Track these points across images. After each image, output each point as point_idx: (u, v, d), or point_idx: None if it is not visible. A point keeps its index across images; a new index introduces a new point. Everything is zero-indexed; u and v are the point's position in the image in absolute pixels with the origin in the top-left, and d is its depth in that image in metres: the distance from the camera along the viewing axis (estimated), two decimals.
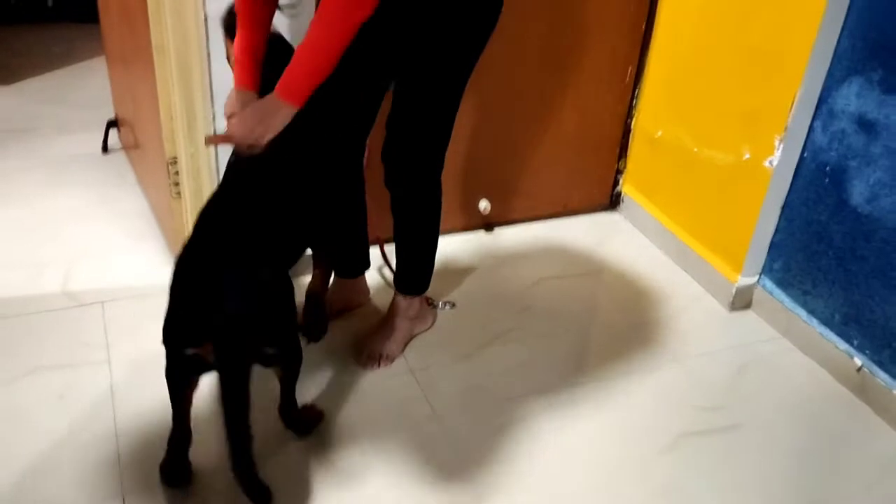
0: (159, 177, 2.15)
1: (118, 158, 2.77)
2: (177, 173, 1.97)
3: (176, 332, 1.35)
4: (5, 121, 2.99)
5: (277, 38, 1.62)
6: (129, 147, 2.71)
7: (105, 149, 2.80)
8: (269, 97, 1.41)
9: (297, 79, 1.39)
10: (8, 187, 2.54)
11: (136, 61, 2.13)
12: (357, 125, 1.74)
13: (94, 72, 3.36)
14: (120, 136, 2.83)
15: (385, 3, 1.38)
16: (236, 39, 1.53)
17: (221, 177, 1.63)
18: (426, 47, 1.59)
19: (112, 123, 2.81)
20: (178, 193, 2.00)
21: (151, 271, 2.16)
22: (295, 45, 1.49)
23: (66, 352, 1.85)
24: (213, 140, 1.79)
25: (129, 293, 2.06)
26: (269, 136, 1.42)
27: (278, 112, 1.40)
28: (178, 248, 1.42)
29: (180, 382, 1.43)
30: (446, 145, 1.74)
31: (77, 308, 2.00)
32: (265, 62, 1.54)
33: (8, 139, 2.83)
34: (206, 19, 1.74)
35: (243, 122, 1.42)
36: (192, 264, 1.37)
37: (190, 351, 1.33)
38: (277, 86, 1.40)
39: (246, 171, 1.50)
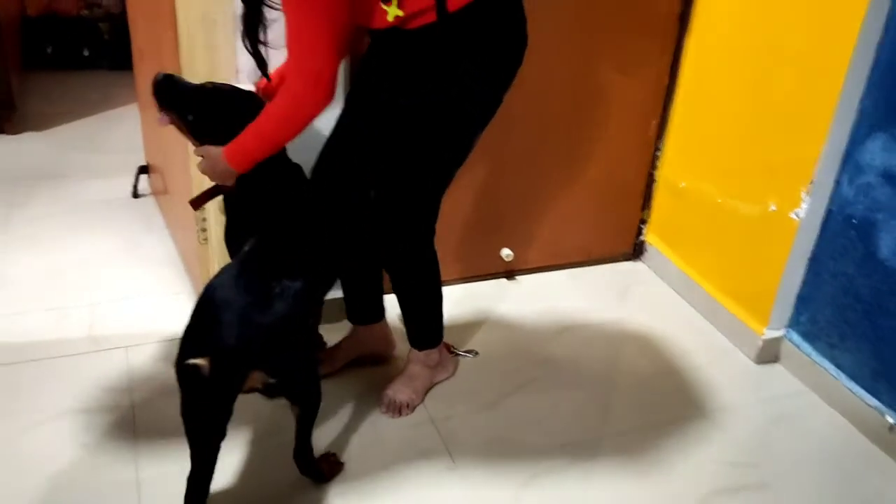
0: (188, 223, 2.18)
1: (148, 204, 2.82)
2: (204, 219, 2.00)
3: (182, 348, 1.38)
4: (38, 166, 3.06)
5: (250, 96, 1.62)
6: (159, 192, 2.76)
7: (135, 194, 2.86)
8: (219, 151, 1.52)
9: (244, 152, 1.50)
10: (38, 232, 2.59)
11: None
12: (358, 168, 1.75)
13: (128, 118, 3.44)
14: (150, 182, 2.88)
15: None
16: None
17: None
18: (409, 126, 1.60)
19: (143, 169, 2.87)
20: (206, 240, 2.03)
21: (177, 317, 2.17)
22: None
23: (89, 396, 1.86)
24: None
25: (152, 338, 2.08)
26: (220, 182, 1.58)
27: (223, 168, 1.53)
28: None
29: (198, 420, 1.43)
30: (434, 217, 1.73)
31: (100, 352, 2.02)
32: (237, 114, 1.55)
33: (40, 184, 2.89)
34: (237, 72, 1.79)
35: (204, 167, 1.57)
36: (211, 292, 1.42)
37: (190, 362, 1.32)
38: (227, 147, 1.50)
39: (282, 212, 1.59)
